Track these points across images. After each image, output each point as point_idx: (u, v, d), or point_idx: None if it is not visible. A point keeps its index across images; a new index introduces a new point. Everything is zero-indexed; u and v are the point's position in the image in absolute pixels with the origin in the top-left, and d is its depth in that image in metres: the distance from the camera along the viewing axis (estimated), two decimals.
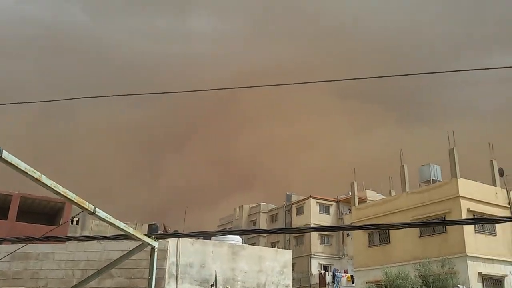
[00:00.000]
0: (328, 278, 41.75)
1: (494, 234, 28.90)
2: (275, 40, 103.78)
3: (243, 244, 22.75)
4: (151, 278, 5.29)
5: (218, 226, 64.54)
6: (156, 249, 5.42)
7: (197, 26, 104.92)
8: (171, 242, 19.69)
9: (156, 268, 19.93)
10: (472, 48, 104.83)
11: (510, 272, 28.41)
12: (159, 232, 27.90)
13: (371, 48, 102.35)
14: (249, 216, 60.80)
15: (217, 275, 19.99)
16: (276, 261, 21.52)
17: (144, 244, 5.31)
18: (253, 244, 43.31)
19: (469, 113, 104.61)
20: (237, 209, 62.88)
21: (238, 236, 22.67)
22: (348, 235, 46.66)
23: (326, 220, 49.81)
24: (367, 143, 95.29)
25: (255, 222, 58.64)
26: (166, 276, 19.92)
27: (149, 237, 5.26)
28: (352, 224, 31.58)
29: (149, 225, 27.80)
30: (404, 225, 6.18)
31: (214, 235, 19.55)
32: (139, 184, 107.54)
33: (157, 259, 19.79)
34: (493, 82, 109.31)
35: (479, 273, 27.10)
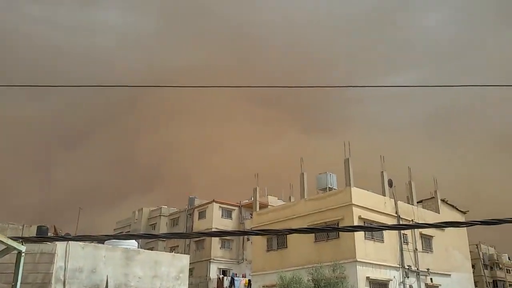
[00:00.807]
0: (226, 282, 41.89)
1: (382, 241, 30.80)
2: (188, 39, 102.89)
3: (139, 249, 22.08)
4: (15, 285, 4.82)
5: (114, 229, 61.98)
6: (23, 254, 4.96)
7: (103, 19, 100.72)
8: (60, 245, 18.55)
9: (41, 273, 18.51)
10: (371, 66, 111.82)
11: (394, 277, 30.42)
12: (50, 234, 26.12)
13: (283, 57, 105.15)
14: (148, 219, 59.17)
15: (109, 281, 19.16)
16: (173, 266, 21.17)
17: (9, 248, 4.83)
18: (151, 248, 42.23)
19: (365, 126, 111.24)
20: (136, 212, 60.91)
21: (133, 241, 21.97)
22: (248, 239, 47.24)
23: (228, 224, 50.04)
24: (271, 149, 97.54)
25: (154, 226, 57.22)
26: (53, 281, 18.69)
27: (15, 240, 4.80)
28: (253, 229, 32.00)
29: (37, 226, 25.89)
30: (291, 231, 6.29)
31: (99, 240, 18.71)
32: (31, 183, 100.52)
33: (44, 263, 18.34)
34: (388, 99, 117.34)
35: (367, 278, 28.66)
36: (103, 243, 20.15)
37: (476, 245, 39.50)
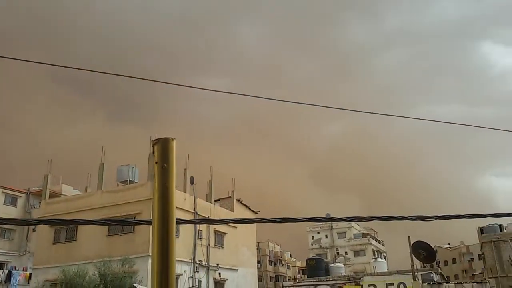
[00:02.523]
0: (2, 276, 37.38)
1: (178, 236, 31.11)
2: None
3: None
4: None
5: None
6: None
7: None
8: None
9: None
10: (187, 65, 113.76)
11: (184, 271, 31.01)
12: None
13: (99, 41, 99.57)
14: None
15: None
16: None
17: None
18: None
19: (175, 123, 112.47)
20: None
21: None
22: (34, 230, 43.05)
23: (12, 212, 44.73)
24: (72, 134, 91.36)
25: None
26: None
27: None
28: (40, 218, 29.17)
29: None
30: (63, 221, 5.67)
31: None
32: None
33: None
34: (201, 101, 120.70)
35: None
36: None
37: (258, 242, 42.94)
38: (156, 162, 2.11)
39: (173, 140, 2.16)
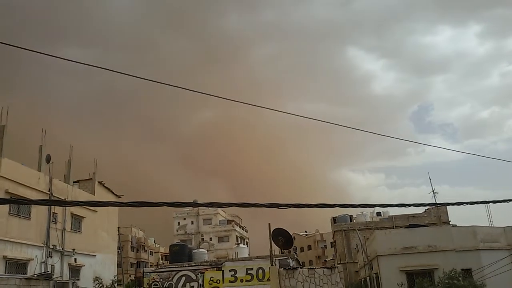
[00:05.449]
0: None
1: (29, 218, 28.69)
2: None
3: None
4: None
5: None
6: None
7: None
8: None
9: None
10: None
11: (36, 256, 28.72)
12: None
13: None
14: None
15: None
16: None
17: None
18: None
19: (30, 93, 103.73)
20: None
21: None
22: None
23: None
24: None
25: None
26: None
27: None
28: None
29: None
30: None
31: None
32: None
33: None
34: (60, 71, 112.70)
35: (4, 257, 26.16)
36: None
37: (119, 228, 41.43)
38: None
39: None
